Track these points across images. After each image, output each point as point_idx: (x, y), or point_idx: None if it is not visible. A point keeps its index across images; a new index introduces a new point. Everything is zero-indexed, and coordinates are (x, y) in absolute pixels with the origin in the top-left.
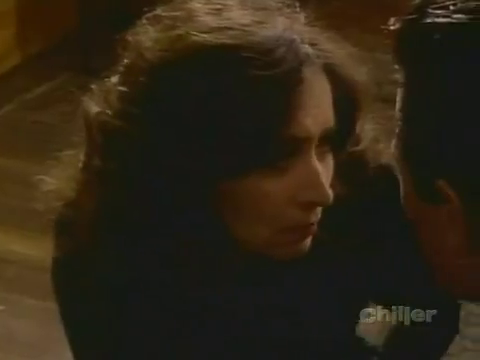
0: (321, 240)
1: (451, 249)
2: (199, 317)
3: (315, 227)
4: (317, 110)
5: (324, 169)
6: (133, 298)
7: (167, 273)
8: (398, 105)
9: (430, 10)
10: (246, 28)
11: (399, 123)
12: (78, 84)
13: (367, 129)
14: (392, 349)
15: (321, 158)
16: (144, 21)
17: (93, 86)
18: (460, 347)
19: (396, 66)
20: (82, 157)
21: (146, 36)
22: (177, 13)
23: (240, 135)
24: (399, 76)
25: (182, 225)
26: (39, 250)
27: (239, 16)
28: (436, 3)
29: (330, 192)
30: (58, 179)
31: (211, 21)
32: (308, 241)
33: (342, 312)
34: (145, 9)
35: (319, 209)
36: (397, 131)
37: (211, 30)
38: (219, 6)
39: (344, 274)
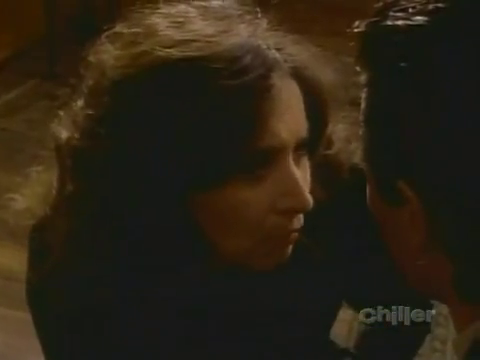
0: (301, 244)
1: (413, 250)
2: (178, 331)
3: (296, 234)
4: (289, 116)
5: (301, 174)
6: (110, 317)
7: (144, 289)
8: (361, 107)
9: (391, 13)
10: (210, 39)
11: (362, 124)
12: (44, 91)
13: (339, 129)
14: (364, 350)
15: (297, 163)
16: (104, 39)
17: (61, 112)
18: (430, 348)
19: (358, 68)
20: (55, 183)
21: (107, 55)
22: (138, 29)
23: (212, 146)
24: (362, 78)
25: (159, 240)
26: (9, 259)
27: (202, 27)
28: (397, 6)
29: (310, 197)
30: (28, 197)
31: (174, 35)
32: (289, 249)
33: (320, 314)
34: (104, 27)
35: (301, 215)
36: (360, 133)
37: (175, 44)
38: (180, 19)
39: (323, 277)
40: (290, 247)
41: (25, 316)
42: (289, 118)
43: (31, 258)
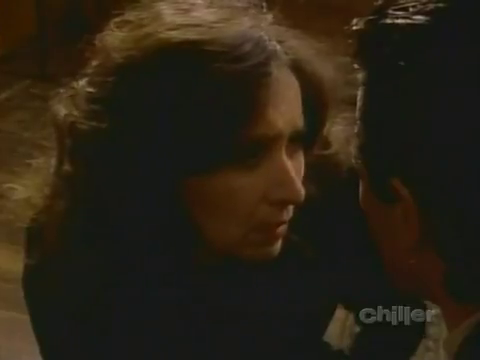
0: (296, 244)
1: (405, 248)
2: (171, 319)
3: (286, 226)
4: (285, 106)
5: (295, 166)
6: (104, 301)
7: (137, 275)
8: (358, 104)
9: (391, 11)
10: (213, 25)
11: (358, 122)
12: (36, 91)
13: (338, 130)
14: (358, 352)
15: (291, 155)
16: (112, 26)
17: (61, 90)
18: (424, 347)
19: (356, 66)
20: (53, 162)
21: (113, 38)
22: (144, 15)
23: (207, 131)
24: (360, 76)
25: (150, 224)
26: (5, 260)
27: (205, 14)
28: (397, 4)
29: (302, 189)
30: (28, 187)
31: (178, 19)
32: (279, 243)
33: (314, 315)
34: (114, 12)
35: (291, 208)
36: (356, 130)
37: (178, 27)
38: (186, 7)
39: (318, 278)
40: (279, 241)
41: (18, 317)
42: (285, 108)
43: (28, 243)
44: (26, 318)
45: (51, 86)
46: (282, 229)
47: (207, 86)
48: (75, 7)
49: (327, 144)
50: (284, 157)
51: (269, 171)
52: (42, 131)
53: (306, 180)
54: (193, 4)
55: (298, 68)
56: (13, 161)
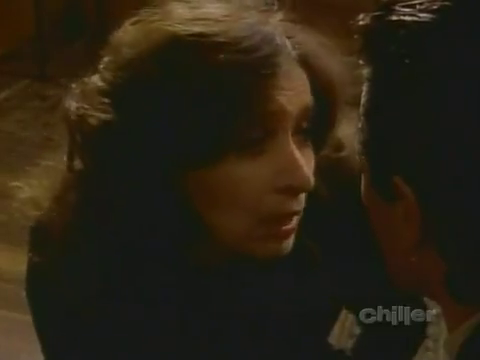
0: (304, 246)
1: (405, 246)
2: (174, 318)
3: (297, 219)
4: (293, 93)
5: (303, 157)
6: (107, 300)
7: (142, 275)
8: (362, 100)
9: (397, 8)
10: (220, 18)
11: (362, 118)
12: (35, 91)
13: (351, 133)
14: (359, 353)
15: (300, 147)
16: (126, 24)
17: (73, 85)
18: (423, 347)
19: (361, 62)
20: (63, 161)
21: (125, 33)
22: (156, 13)
23: (210, 118)
24: (364, 72)
25: (156, 220)
26: (5, 260)
27: (214, 9)
28: (403, 1)
29: (310, 176)
30: (34, 187)
31: (186, 14)
32: (290, 240)
33: (314, 314)
34: (132, 12)
35: (302, 198)
36: (359, 126)
37: (185, 21)
38: (196, 5)
39: (318, 277)
40: (291, 237)
41: (17, 317)
42: (293, 95)
43: (32, 243)
44: (25, 318)
45: (50, 86)
46: (293, 222)
47: (212, 77)
48: (75, 7)
49: (341, 146)
50: (290, 143)
51: (275, 157)
52: (42, 130)
53: (321, 183)
54: (204, 2)
55: (307, 63)
56: (12, 161)
